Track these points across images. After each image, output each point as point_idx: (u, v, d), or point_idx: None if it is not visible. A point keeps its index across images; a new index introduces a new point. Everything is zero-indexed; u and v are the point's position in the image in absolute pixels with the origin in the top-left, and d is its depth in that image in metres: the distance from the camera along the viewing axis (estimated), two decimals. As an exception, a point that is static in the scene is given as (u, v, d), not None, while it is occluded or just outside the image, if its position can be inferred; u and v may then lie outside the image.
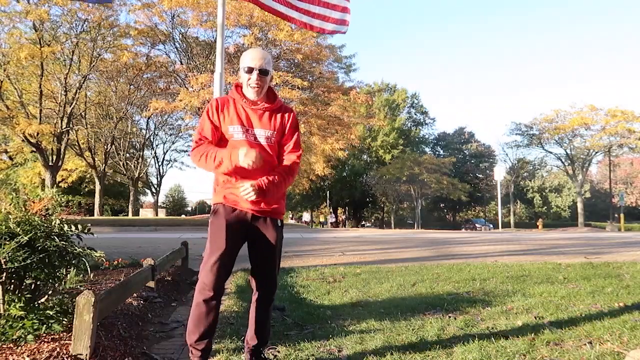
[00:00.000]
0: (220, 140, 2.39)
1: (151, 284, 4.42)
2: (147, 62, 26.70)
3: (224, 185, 2.37)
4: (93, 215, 30.86)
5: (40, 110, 26.02)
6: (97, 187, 33.20)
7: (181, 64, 25.66)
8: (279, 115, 2.45)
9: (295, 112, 2.58)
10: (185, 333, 3.27)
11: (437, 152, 55.98)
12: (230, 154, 2.23)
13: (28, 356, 2.33)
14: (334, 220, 46.98)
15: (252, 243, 2.44)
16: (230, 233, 2.31)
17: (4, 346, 2.44)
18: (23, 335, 2.50)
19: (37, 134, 24.75)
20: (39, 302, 2.82)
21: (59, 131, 26.32)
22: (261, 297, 2.48)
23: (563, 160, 48.31)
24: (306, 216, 46.82)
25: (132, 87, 29.80)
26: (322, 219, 49.79)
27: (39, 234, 2.69)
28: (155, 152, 42.45)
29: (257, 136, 2.38)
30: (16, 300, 2.68)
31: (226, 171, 2.29)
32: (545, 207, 58.03)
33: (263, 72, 2.37)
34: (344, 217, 50.72)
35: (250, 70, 2.36)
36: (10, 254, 2.54)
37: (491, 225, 44.50)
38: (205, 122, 2.40)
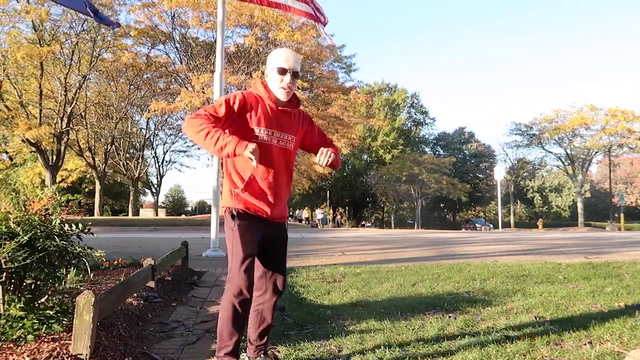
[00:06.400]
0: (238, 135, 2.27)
1: (151, 284, 4.42)
2: (147, 62, 26.72)
3: (244, 193, 2.31)
4: (93, 215, 30.87)
5: (40, 110, 26.03)
6: (97, 187, 33.22)
7: (181, 63, 25.67)
8: (302, 121, 2.48)
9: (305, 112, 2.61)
10: (183, 332, 3.25)
11: (437, 152, 55.96)
12: (237, 142, 2.07)
13: (28, 356, 2.33)
14: (321, 217, 41.66)
15: (267, 246, 2.43)
16: (257, 236, 2.32)
17: (4, 346, 2.43)
18: (23, 335, 2.50)
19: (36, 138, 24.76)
20: (39, 302, 2.82)
21: (59, 131, 26.32)
22: (275, 296, 2.49)
23: (563, 160, 48.35)
24: (299, 214, 46.25)
25: (132, 87, 29.82)
26: (305, 215, 46.73)
27: (39, 234, 2.69)
28: (155, 152, 42.53)
29: (282, 139, 2.36)
30: (16, 300, 2.68)
31: (224, 155, 2.13)
32: (546, 207, 58.04)
33: (295, 75, 2.33)
34: (338, 215, 49.26)
35: (283, 72, 2.29)
36: (10, 254, 2.54)
37: (491, 225, 44.49)
38: (222, 105, 2.24)
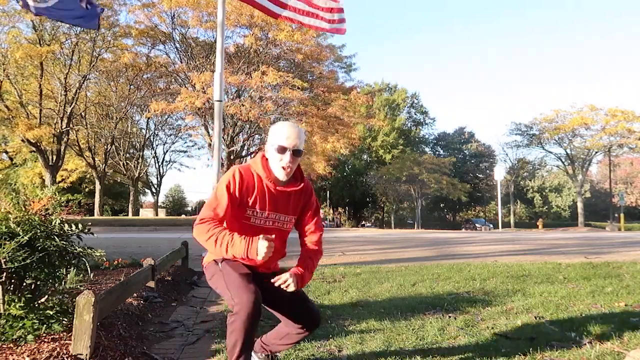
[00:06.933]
0: (231, 217, 2.18)
1: (151, 283, 4.42)
2: (147, 62, 26.71)
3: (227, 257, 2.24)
4: (93, 215, 30.86)
5: (40, 110, 26.02)
6: (97, 187, 33.20)
7: (181, 63, 25.66)
8: (302, 198, 2.32)
9: (314, 194, 2.42)
10: (183, 332, 3.26)
11: (437, 152, 55.94)
12: (247, 248, 2.02)
13: (28, 356, 2.33)
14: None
15: (273, 296, 2.26)
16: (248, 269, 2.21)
17: (4, 346, 2.44)
18: (23, 335, 2.50)
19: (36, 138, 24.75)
20: (39, 302, 2.82)
21: (59, 131, 26.32)
22: (310, 330, 2.35)
23: (563, 160, 48.32)
24: None
25: (132, 87, 29.80)
26: None
27: (39, 234, 2.69)
28: (155, 152, 42.52)
29: (278, 221, 2.25)
30: (16, 300, 2.68)
31: (234, 258, 2.16)
32: (546, 207, 58.03)
33: (296, 153, 2.18)
34: (337, 215, 48.95)
35: (283, 150, 2.16)
36: (10, 254, 2.54)
37: (491, 225, 44.48)
38: (223, 197, 2.13)
